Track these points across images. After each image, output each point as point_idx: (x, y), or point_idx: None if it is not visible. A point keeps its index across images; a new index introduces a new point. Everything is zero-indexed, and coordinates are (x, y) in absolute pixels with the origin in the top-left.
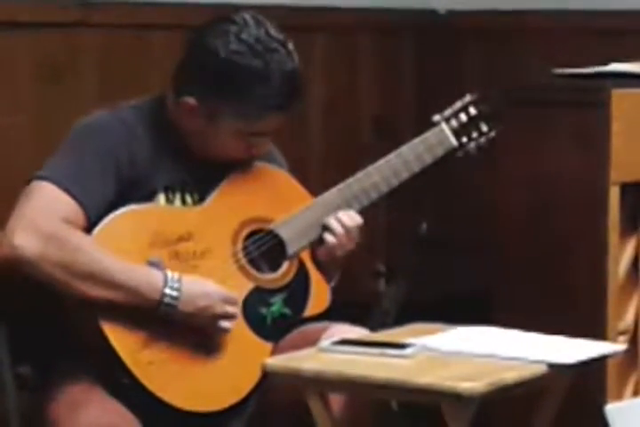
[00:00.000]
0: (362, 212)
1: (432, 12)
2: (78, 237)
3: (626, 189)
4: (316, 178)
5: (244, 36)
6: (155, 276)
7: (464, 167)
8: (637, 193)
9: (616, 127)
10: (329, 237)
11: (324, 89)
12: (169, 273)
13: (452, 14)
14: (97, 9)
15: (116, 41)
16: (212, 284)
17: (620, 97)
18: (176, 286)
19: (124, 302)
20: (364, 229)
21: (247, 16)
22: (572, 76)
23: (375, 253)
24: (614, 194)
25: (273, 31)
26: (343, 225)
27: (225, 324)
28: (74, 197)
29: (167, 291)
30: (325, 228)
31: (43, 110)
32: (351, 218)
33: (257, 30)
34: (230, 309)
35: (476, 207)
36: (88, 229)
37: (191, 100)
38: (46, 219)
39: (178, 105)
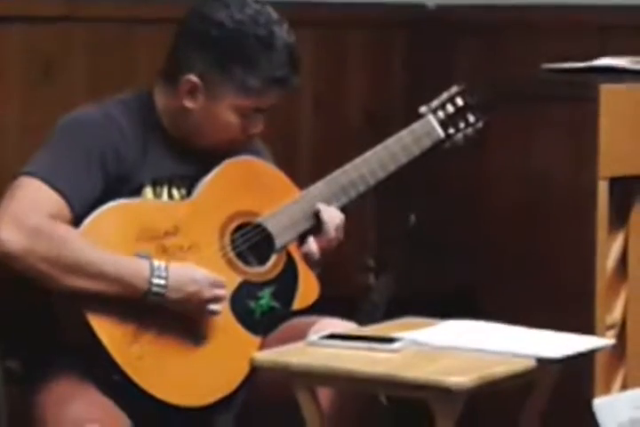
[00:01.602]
0: (350, 205)
1: (421, 7)
2: (63, 230)
3: (614, 183)
4: (307, 172)
5: (246, 8)
6: (141, 265)
7: (453, 161)
8: (626, 188)
9: (605, 122)
10: (330, 231)
11: (313, 84)
12: (155, 262)
13: (442, 8)
14: (85, 3)
15: (105, 35)
16: (198, 269)
17: (609, 92)
18: (163, 274)
19: (111, 294)
20: (354, 223)
21: None
22: (561, 70)
23: (364, 247)
24: (603, 188)
25: (270, 8)
26: (334, 225)
27: (214, 307)
28: (59, 192)
29: (154, 280)
30: (319, 226)
31: (31, 105)
32: (338, 215)
33: (256, 5)
34: (218, 291)
35: (465, 202)
36: (74, 224)
37: (193, 78)
38: (31, 213)
39: (174, 88)
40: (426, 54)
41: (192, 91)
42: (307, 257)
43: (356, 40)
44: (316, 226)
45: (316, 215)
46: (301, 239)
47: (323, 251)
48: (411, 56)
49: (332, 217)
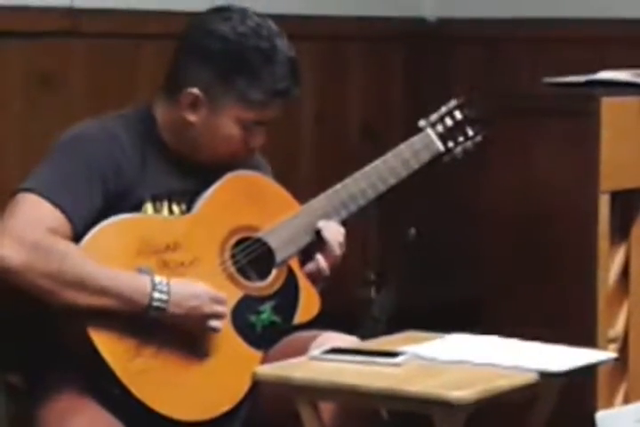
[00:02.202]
0: (351, 219)
1: (421, 20)
2: (64, 245)
3: (616, 197)
4: (307, 186)
5: (247, 21)
6: (142, 280)
7: (454, 175)
8: (627, 201)
9: (605, 135)
10: (335, 249)
11: (313, 98)
12: (156, 277)
13: (442, 22)
14: (86, 18)
15: (106, 50)
16: (199, 284)
17: (610, 105)
18: (164, 289)
19: (113, 309)
20: (355, 236)
21: (242, 7)
22: (561, 84)
23: (365, 261)
24: (604, 202)
25: (270, 20)
26: (338, 243)
27: (215, 323)
28: (59, 207)
29: (156, 295)
30: (323, 243)
31: (32, 120)
32: (339, 230)
33: (257, 17)
34: (219, 308)
35: (467, 215)
36: (74, 239)
37: (195, 91)
38: (32, 229)
39: (176, 102)
40: (425, 68)
41: (194, 104)
42: (317, 274)
43: (356, 54)
44: (318, 241)
45: (318, 233)
46: (303, 254)
47: (330, 267)
48: (410, 69)
49: (335, 234)
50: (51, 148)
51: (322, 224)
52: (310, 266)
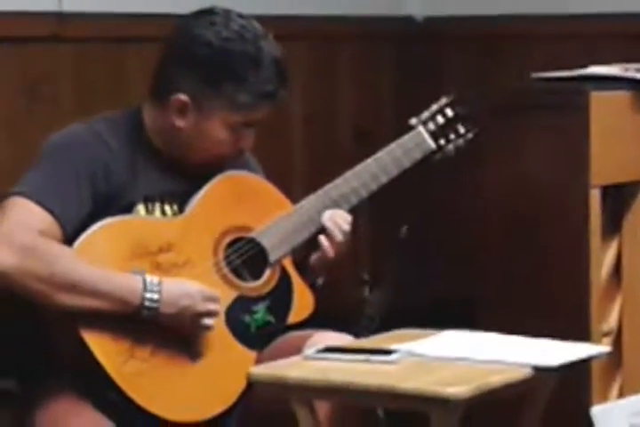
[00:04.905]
0: None
1: (409, 19)
2: (56, 248)
3: (606, 191)
4: (299, 190)
5: (232, 24)
6: (134, 281)
7: (444, 172)
8: (618, 196)
9: (595, 130)
10: (324, 242)
11: (303, 99)
12: (148, 277)
13: (430, 21)
14: (72, 22)
15: (92, 54)
16: (191, 283)
17: (599, 100)
18: (156, 288)
19: (105, 310)
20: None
21: (226, 8)
22: (551, 79)
23: (359, 260)
24: (594, 197)
25: (254, 22)
26: (340, 229)
27: (207, 321)
28: (49, 211)
29: (147, 295)
30: (323, 230)
31: (19, 124)
32: (344, 218)
33: (241, 19)
34: (212, 306)
35: (459, 212)
36: (64, 242)
37: (182, 97)
38: (23, 232)
39: (164, 107)
40: (415, 66)
41: (182, 109)
42: (321, 259)
43: (345, 53)
44: (324, 228)
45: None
46: (308, 248)
47: (335, 253)
48: (400, 68)
49: (339, 221)
50: (39, 152)
51: (328, 212)
52: (315, 254)
